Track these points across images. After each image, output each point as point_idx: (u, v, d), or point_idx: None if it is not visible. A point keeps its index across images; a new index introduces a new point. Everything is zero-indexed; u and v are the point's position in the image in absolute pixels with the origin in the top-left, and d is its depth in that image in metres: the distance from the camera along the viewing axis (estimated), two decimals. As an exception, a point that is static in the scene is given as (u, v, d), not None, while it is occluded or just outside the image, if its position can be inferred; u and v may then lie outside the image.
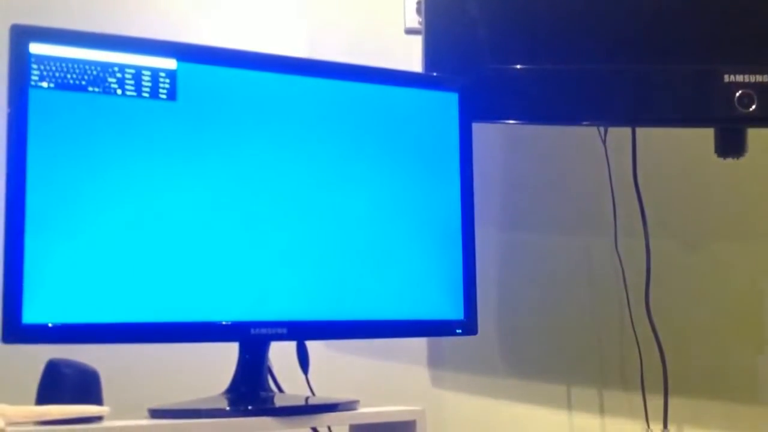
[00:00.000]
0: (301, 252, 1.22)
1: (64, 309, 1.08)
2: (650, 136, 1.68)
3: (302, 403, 1.18)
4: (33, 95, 1.09)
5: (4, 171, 1.07)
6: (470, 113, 1.36)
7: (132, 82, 1.15)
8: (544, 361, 1.68)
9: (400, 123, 1.31)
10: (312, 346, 1.30)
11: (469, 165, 1.35)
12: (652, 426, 1.63)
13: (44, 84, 1.10)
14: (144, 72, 1.16)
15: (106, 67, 1.14)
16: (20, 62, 1.09)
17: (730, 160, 1.51)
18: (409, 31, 1.67)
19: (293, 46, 1.63)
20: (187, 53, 1.19)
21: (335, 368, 1.56)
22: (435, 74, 1.41)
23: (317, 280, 1.23)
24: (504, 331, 1.67)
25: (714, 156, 1.51)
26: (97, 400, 1.08)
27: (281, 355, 1.26)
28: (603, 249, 1.69)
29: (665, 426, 1.61)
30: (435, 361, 1.65)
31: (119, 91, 1.14)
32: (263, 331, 1.19)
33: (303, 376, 1.30)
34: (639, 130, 1.63)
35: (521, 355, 1.68)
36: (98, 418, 1.03)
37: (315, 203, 1.24)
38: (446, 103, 1.35)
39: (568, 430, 1.67)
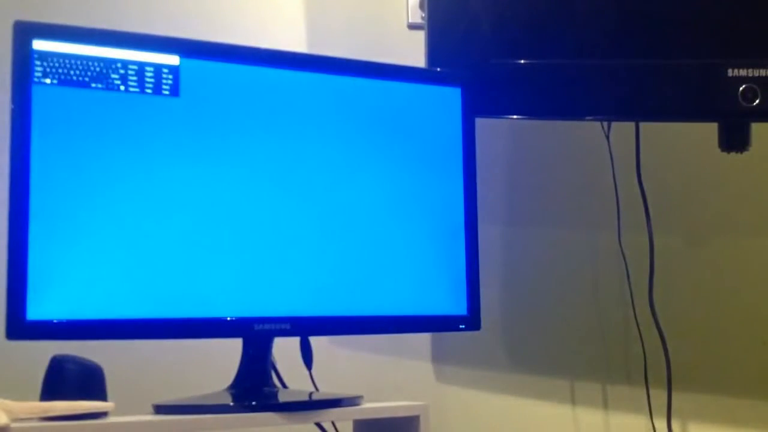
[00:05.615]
0: (304, 247, 1.22)
1: (68, 305, 1.08)
2: (654, 130, 1.67)
3: (306, 398, 1.18)
4: (36, 92, 1.09)
5: (8, 167, 1.07)
6: (473, 108, 1.36)
7: (135, 78, 1.15)
8: (548, 357, 1.68)
9: (402, 118, 1.31)
10: (315, 341, 1.30)
11: (473, 160, 1.35)
12: (655, 421, 1.63)
13: (47, 80, 1.10)
14: (147, 68, 1.16)
15: (109, 63, 1.13)
16: (23, 59, 1.09)
17: (733, 155, 1.50)
18: (412, 26, 1.67)
19: (296, 42, 1.63)
20: (190, 49, 1.19)
21: (339, 364, 1.56)
22: (438, 69, 1.41)
23: (320, 276, 1.23)
24: (507, 327, 1.67)
25: (718, 150, 1.51)
26: (102, 395, 1.08)
27: (285, 350, 1.26)
28: (607, 245, 1.69)
29: (669, 421, 1.61)
30: (438, 357, 1.65)
31: (122, 88, 1.14)
32: (267, 326, 1.19)
33: (307, 372, 1.30)
34: (642, 125, 1.63)
35: (525, 351, 1.68)
36: (103, 414, 1.03)
37: (318, 199, 1.24)
38: (449, 99, 1.35)
39: (571, 425, 1.67)
